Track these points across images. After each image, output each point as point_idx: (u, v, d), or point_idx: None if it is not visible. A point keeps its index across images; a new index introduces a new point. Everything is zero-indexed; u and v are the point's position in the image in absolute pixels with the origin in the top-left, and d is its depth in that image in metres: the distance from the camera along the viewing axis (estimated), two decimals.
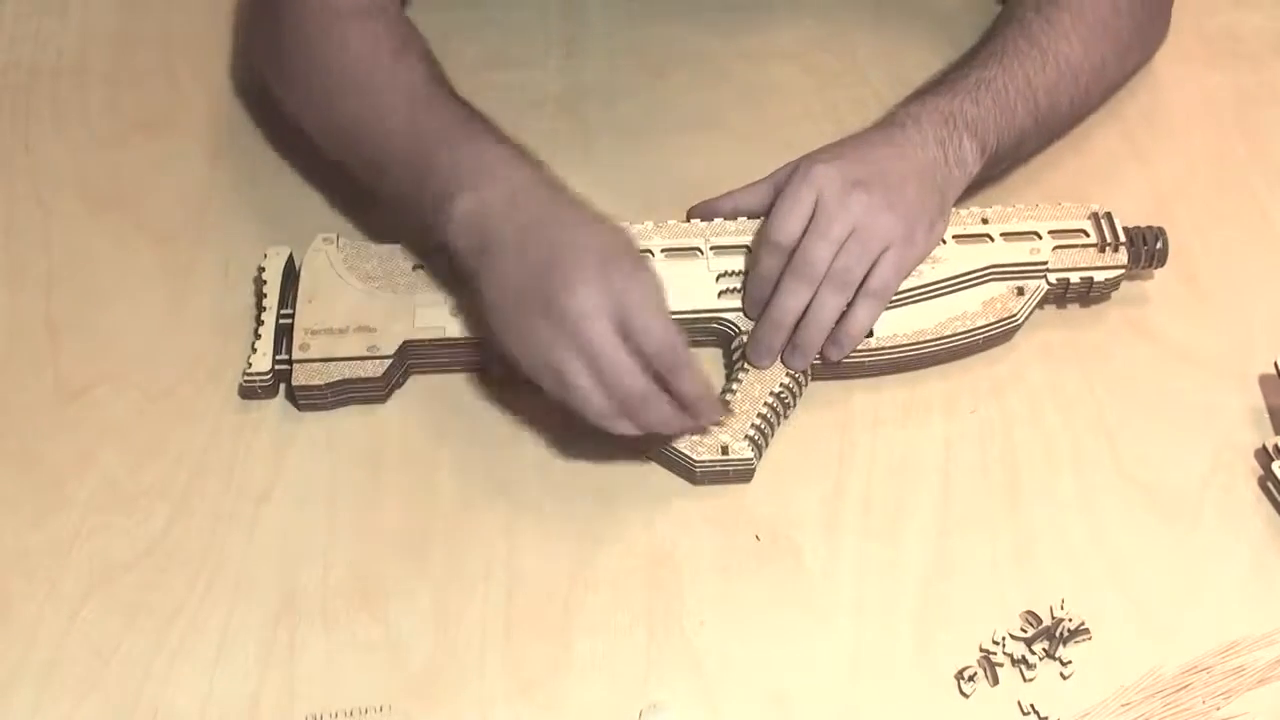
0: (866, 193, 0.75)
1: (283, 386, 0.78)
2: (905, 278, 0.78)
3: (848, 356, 0.77)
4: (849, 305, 0.76)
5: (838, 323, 0.76)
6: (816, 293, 0.76)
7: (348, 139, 0.80)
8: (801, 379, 0.77)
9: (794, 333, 0.76)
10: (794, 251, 0.76)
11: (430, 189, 0.74)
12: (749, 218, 0.81)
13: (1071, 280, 0.81)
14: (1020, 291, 0.80)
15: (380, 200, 0.80)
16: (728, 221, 0.81)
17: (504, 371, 0.75)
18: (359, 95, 0.79)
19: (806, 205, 0.76)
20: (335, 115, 0.80)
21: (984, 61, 0.82)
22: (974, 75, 0.82)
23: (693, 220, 0.82)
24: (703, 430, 0.74)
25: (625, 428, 0.71)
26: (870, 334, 0.78)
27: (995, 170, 0.84)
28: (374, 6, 0.82)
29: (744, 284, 0.78)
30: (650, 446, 0.75)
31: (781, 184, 0.79)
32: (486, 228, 0.72)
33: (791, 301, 0.76)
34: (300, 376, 0.76)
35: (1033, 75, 0.82)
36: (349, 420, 0.78)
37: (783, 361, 0.77)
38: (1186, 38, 0.95)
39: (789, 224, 0.76)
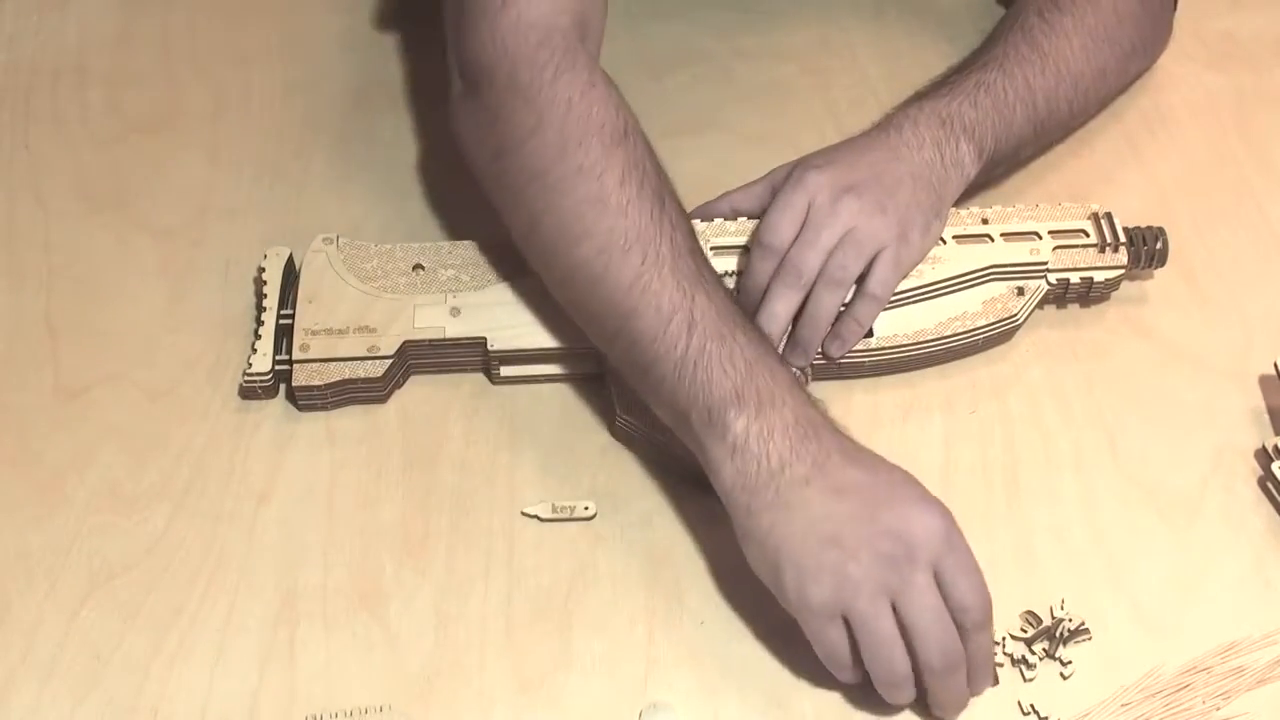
0: (858, 198, 0.76)
1: (283, 387, 0.78)
2: (903, 277, 0.78)
3: (847, 356, 0.77)
4: (849, 305, 0.76)
5: (837, 321, 0.77)
6: (813, 291, 0.76)
7: (580, 287, 0.71)
8: (802, 378, 0.77)
9: (792, 330, 0.77)
10: (785, 256, 0.76)
11: (695, 391, 0.67)
12: (747, 218, 0.81)
13: (1071, 280, 0.81)
14: (1020, 291, 0.80)
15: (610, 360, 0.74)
16: (728, 222, 0.81)
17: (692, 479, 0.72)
18: (593, 240, 0.69)
19: (799, 210, 0.76)
20: (564, 258, 0.71)
21: (984, 64, 0.83)
22: (973, 78, 0.82)
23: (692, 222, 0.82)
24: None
25: (898, 697, 0.65)
26: (870, 334, 0.78)
27: (993, 173, 0.84)
28: (571, 50, 0.73)
29: (736, 285, 0.79)
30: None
31: (779, 184, 0.79)
32: (771, 453, 0.65)
33: (780, 306, 0.76)
34: (300, 377, 0.76)
35: (1032, 79, 0.82)
36: (349, 420, 0.78)
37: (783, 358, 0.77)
38: (1186, 40, 0.95)
39: (781, 228, 0.76)
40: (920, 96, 0.82)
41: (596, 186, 0.70)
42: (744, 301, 0.78)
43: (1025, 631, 0.70)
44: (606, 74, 0.74)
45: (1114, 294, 0.83)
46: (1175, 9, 0.93)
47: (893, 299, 0.78)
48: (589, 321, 0.72)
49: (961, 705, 0.66)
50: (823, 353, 0.77)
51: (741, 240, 0.80)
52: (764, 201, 0.80)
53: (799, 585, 0.64)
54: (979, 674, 0.66)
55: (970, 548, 0.65)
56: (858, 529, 0.64)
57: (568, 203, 0.70)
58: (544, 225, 0.71)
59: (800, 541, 0.64)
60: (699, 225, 0.81)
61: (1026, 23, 0.85)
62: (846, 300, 0.77)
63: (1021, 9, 0.86)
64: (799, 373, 0.77)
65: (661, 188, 0.72)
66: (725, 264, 0.79)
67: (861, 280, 0.76)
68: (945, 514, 0.65)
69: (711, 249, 0.80)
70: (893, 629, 0.63)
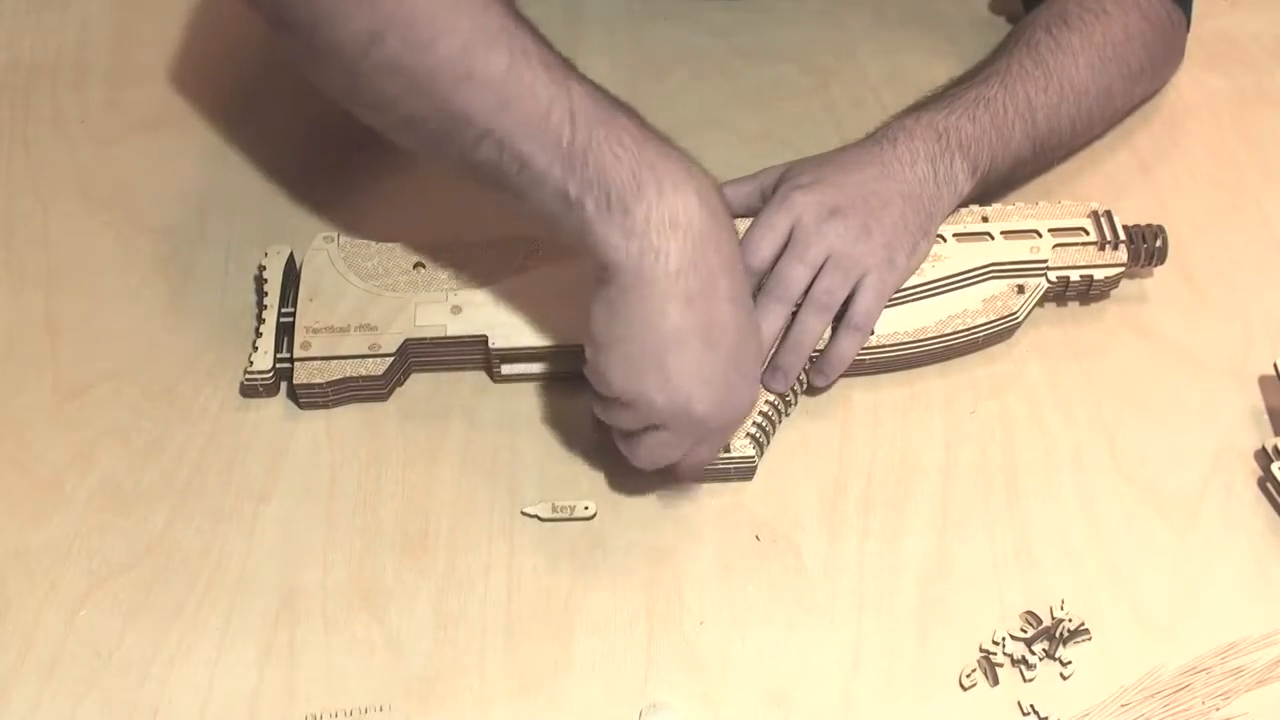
0: (844, 220, 0.75)
1: (283, 385, 0.78)
2: (885, 302, 0.77)
3: None
4: (833, 336, 0.76)
5: (822, 352, 0.76)
6: (798, 316, 0.75)
7: (439, 93, 0.66)
8: (802, 376, 0.77)
9: (774, 355, 0.76)
10: (766, 275, 0.75)
11: (595, 170, 0.65)
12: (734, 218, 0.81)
13: (1071, 278, 0.81)
14: (1020, 289, 0.80)
15: (441, 162, 0.69)
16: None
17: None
18: (454, 38, 0.65)
19: (781, 232, 0.76)
20: (424, 61, 0.65)
21: (986, 79, 0.82)
22: (974, 92, 0.81)
23: None
24: None
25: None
26: (871, 331, 0.78)
27: (991, 189, 0.82)
28: None
29: None
30: None
31: (767, 188, 0.79)
32: (671, 253, 0.65)
33: (768, 322, 0.75)
34: (301, 375, 0.76)
35: (1034, 96, 0.81)
36: (350, 419, 0.78)
37: (762, 384, 0.76)
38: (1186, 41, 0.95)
39: (761, 248, 0.76)
40: (919, 107, 0.82)
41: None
42: None
43: (1025, 631, 0.70)
44: None
45: (1114, 293, 0.83)
46: (1188, 30, 0.92)
47: (893, 297, 0.78)
48: (444, 131, 0.67)
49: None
50: (809, 382, 0.77)
51: None
52: (751, 203, 0.80)
53: (608, 372, 0.67)
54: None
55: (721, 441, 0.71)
56: (682, 370, 0.66)
57: (422, 4, 0.65)
58: (389, 36, 0.65)
59: (640, 345, 0.66)
60: None
61: (1033, 38, 0.84)
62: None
63: (1029, 24, 0.86)
64: (801, 374, 0.77)
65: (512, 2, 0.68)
66: None
67: (844, 310, 0.76)
68: (748, 396, 0.69)
69: None
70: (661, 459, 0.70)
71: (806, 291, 0.75)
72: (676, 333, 0.65)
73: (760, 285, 0.76)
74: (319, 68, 0.69)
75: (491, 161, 0.67)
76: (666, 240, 0.65)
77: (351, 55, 0.66)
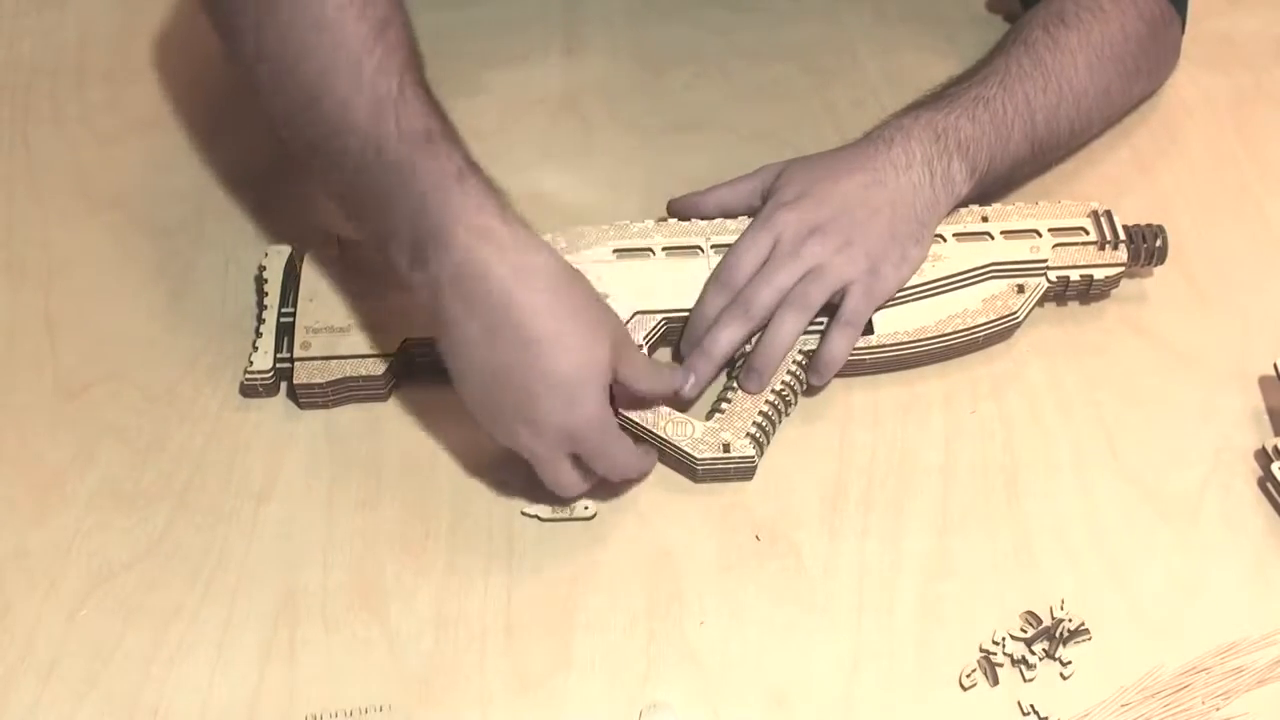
0: (823, 238, 0.76)
1: (283, 385, 0.78)
2: (876, 306, 0.77)
3: (850, 354, 0.77)
4: (825, 334, 0.76)
5: (816, 351, 0.77)
6: (774, 315, 0.76)
7: (298, 112, 0.69)
8: (802, 376, 0.77)
9: (749, 355, 0.76)
10: (740, 291, 0.76)
11: (396, 218, 0.67)
12: (732, 218, 0.81)
13: (1071, 278, 0.81)
14: (1020, 289, 0.80)
15: (320, 189, 0.73)
16: (728, 220, 0.81)
17: None
18: (313, 61, 0.67)
19: (763, 250, 0.76)
20: (291, 82, 0.68)
21: (984, 79, 0.82)
22: (973, 92, 0.81)
23: (675, 213, 0.82)
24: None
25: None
26: (871, 331, 0.78)
27: (989, 190, 0.82)
28: None
29: (690, 313, 0.78)
30: None
31: (767, 185, 0.79)
32: (447, 305, 0.67)
33: (724, 334, 0.76)
34: (301, 375, 0.76)
35: (1033, 97, 0.81)
36: (349, 419, 0.78)
37: (739, 384, 0.76)
38: (1185, 41, 0.95)
39: (741, 265, 0.77)
40: (918, 106, 0.81)
41: (316, 7, 0.67)
42: (692, 331, 0.77)
43: (1025, 631, 0.70)
44: None
45: (1114, 293, 0.83)
46: (1183, 31, 0.92)
47: (894, 297, 0.78)
48: (309, 152, 0.70)
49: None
50: (807, 382, 0.77)
51: None
52: (751, 202, 0.80)
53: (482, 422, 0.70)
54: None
55: (606, 429, 0.70)
56: (503, 413, 0.69)
57: (284, 18, 0.68)
58: (265, 52, 0.69)
59: (469, 391, 0.69)
60: (700, 225, 0.81)
61: (1030, 37, 0.84)
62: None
63: (1027, 23, 0.85)
64: (801, 374, 0.77)
65: (390, 15, 0.69)
66: None
67: (831, 307, 0.76)
68: (567, 421, 0.68)
69: (712, 247, 0.80)
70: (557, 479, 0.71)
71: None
72: (479, 378, 0.68)
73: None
74: (240, 74, 0.72)
75: (340, 194, 0.70)
76: (448, 291, 0.66)
77: (249, 65, 0.70)
